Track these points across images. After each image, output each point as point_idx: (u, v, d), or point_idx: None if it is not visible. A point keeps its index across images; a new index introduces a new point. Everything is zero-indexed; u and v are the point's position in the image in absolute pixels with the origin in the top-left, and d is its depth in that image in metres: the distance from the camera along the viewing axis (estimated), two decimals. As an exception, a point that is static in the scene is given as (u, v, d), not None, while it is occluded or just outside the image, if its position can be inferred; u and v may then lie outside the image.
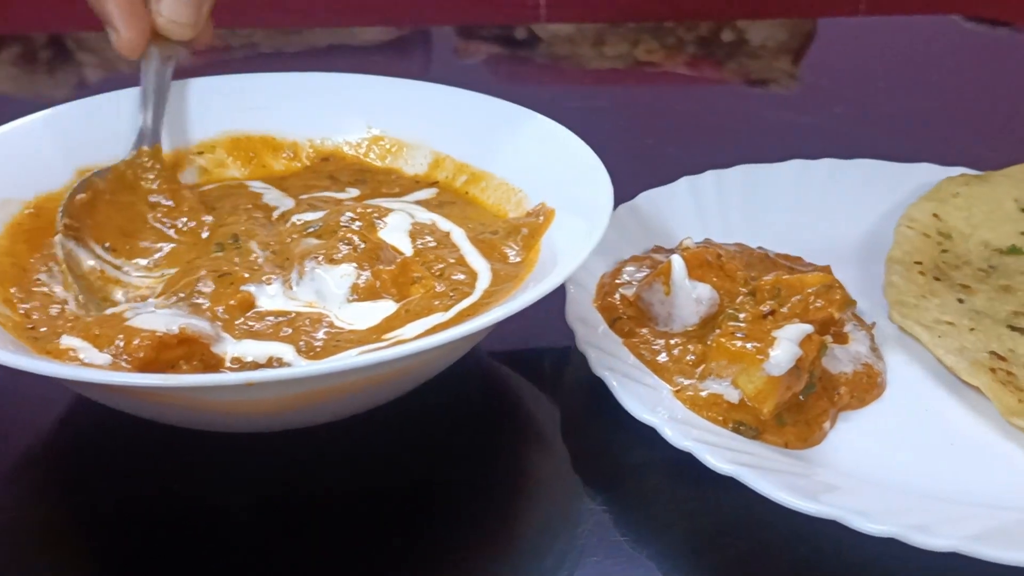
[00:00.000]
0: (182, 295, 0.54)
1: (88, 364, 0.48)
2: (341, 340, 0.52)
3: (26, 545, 0.51)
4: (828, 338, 0.60)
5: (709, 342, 0.57)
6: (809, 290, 0.60)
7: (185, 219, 0.62)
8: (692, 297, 0.60)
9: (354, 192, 0.67)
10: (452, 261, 0.58)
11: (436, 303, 0.54)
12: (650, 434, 0.53)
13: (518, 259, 0.59)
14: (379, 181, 0.68)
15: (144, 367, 0.48)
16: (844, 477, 0.53)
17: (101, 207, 0.60)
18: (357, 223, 0.59)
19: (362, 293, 0.54)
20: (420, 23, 1.32)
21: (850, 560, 0.50)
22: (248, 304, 0.54)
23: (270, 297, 0.55)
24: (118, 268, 0.58)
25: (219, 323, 0.52)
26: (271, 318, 0.53)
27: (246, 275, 0.55)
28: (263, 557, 0.50)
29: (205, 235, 0.61)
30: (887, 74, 1.13)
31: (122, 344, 0.48)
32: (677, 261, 0.60)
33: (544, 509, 0.55)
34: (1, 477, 0.55)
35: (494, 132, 0.67)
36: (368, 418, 0.54)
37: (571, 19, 1.35)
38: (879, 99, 1.06)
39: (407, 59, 1.22)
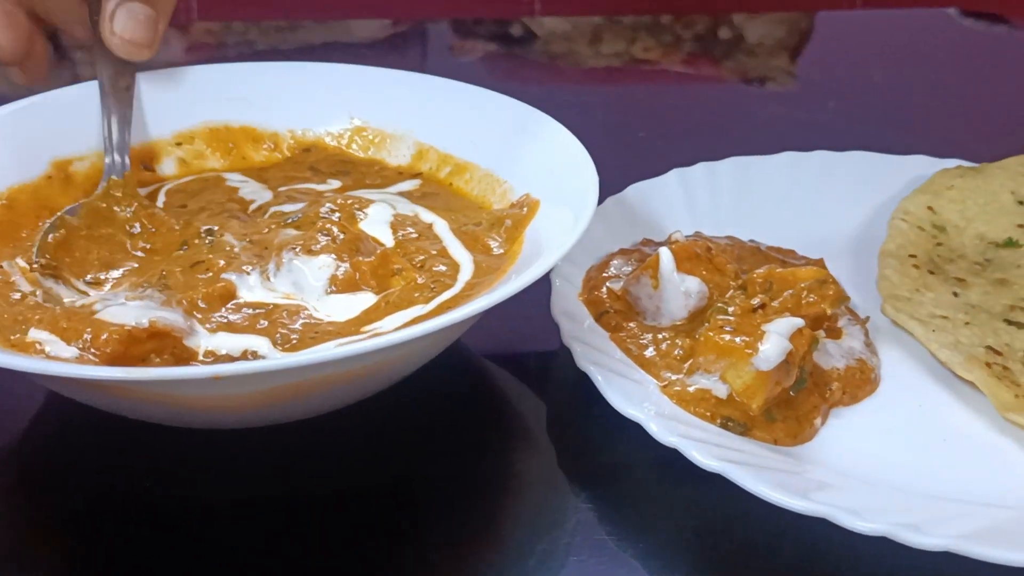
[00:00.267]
0: (151, 284, 0.52)
1: (54, 358, 0.47)
2: (319, 332, 0.51)
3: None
4: (821, 333, 0.59)
5: (697, 336, 0.56)
6: (802, 284, 0.58)
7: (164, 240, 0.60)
8: (680, 290, 0.59)
9: (335, 184, 0.65)
10: (434, 253, 0.57)
11: (417, 295, 0.53)
12: (637, 430, 0.51)
13: (501, 251, 0.57)
14: (362, 172, 0.67)
15: (113, 361, 0.46)
16: (835, 474, 0.51)
17: (79, 243, 0.58)
18: (337, 214, 0.58)
19: (341, 285, 0.53)
20: (414, 16, 1.31)
21: (840, 559, 0.48)
22: (229, 295, 0.53)
23: (249, 288, 0.53)
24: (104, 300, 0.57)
25: (196, 315, 0.51)
26: (248, 310, 0.52)
27: (221, 263, 0.54)
28: (240, 556, 0.49)
29: (178, 227, 0.59)
30: (883, 69, 1.12)
31: (90, 338, 0.47)
32: (665, 254, 0.59)
33: (529, 507, 0.54)
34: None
35: (478, 122, 0.65)
36: (351, 414, 0.53)
37: (565, 12, 1.33)
38: (875, 94, 1.05)
39: (403, 56, 1.21)
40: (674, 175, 0.72)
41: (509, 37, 1.25)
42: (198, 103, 0.68)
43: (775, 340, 0.53)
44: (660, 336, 0.58)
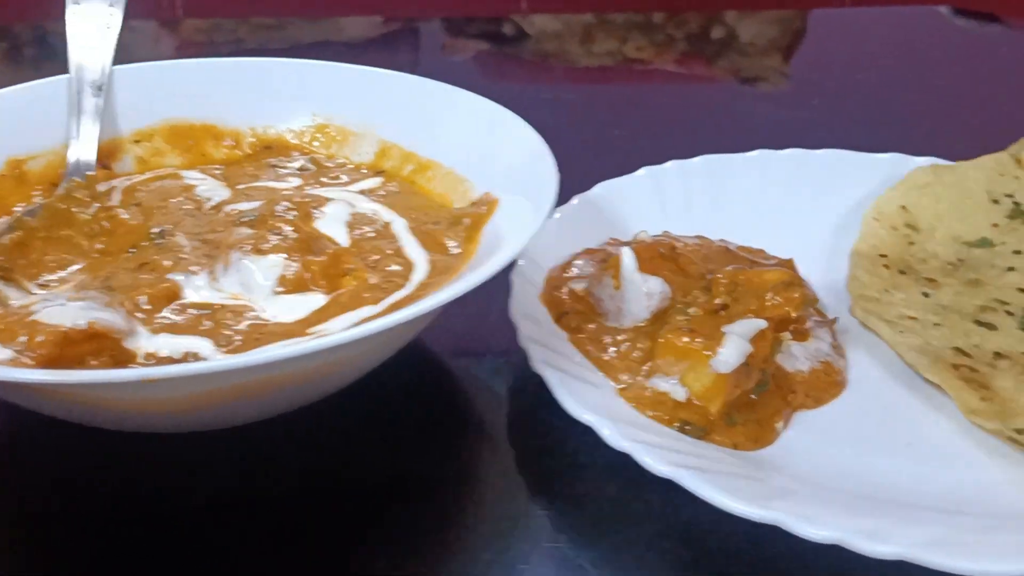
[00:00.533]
0: (93, 285, 0.51)
1: None
2: (264, 334, 0.49)
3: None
4: (786, 335, 0.58)
5: (658, 338, 0.55)
6: (767, 286, 0.57)
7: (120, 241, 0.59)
8: (642, 291, 0.57)
9: (296, 182, 0.64)
10: (389, 252, 0.55)
11: (367, 295, 0.52)
12: (594, 434, 0.50)
13: (459, 250, 0.56)
14: (323, 170, 0.65)
15: (48, 363, 0.45)
16: (795, 480, 0.50)
17: (36, 244, 0.56)
18: (292, 212, 0.56)
19: (289, 285, 0.52)
20: (400, 13, 1.30)
21: (799, 567, 0.47)
22: (172, 295, 0.52)
23: (195, 289, 0.52)
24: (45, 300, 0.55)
25: (138, 316, 0.50)
26: (193, 311, 0.51)
27: (167, 263, 0.53)
28: (189, 558, 0.48)
29: (135, 221, 0.58)
30: (874, 68, 1.11)
31: (25, 340, 0.45)
32: (627, 253, 0.57)
33: (485, 512, 0.52)
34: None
35: (442, 120, 0.64)
36: (302, 417, 0.52)
37: (553, 10, 1.32)
38: (866, 92, 1.04)
39: (395, 56, 1.20)
40: (645, 173, 0.71)
41: (501, 36, 1.24)
42: (159, 100, 0.67)
43: (734, 342, 0.52)
44: (621, 338, 0.57)
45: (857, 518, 0.45)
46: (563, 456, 0.54)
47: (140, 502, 0.51)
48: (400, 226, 0.58)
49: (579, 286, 0.59)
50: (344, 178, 0.64)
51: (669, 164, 0.72)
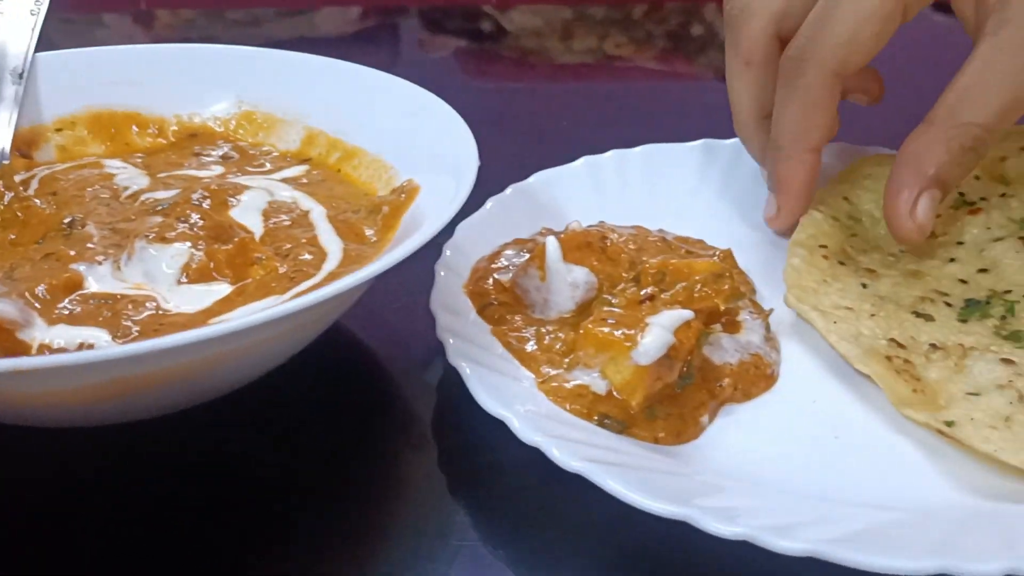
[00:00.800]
0: None
1: None
2: (164, 324, 0.48)
3: None
4: (717, 327, 0.56)
5: (580, 329, 0.53)
6: (696, 277, 0.55)
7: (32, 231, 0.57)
8: (567, 281, 0.56)
9: (218, 170, 0.62)
10: (303, 241, 0.54)
11: (274, 285, 0.50)
12: (513, 429, 0.49)
13: (376, 239, 0.54)
14: (248, 157, 0.64)
15: (-66, 354, 0.43)
16: (717, 475, 0.48)
17: None
18: (208, 201, 0.55)
19: (194, 274, 0.50)
20: (379, 4, 1.28)
21: (721, 565, 0.45)
22: (74, 285, 0.50)
23: (99, 278, 0.50)
24: None
25: (37, 306, 0.48)
26: (93, 301, 0.49)
27: (72, 253, 0.51)
28: (93, 559, 0.46)
29: (49, 211, 0.56)
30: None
31: (-88, 331, 0.44)
32: (551, 243, 0.56)
33: (403, 509, 0.51)
34: None
35: (369, 106, 0.63)
36: (215, 411, 0.50)
37: (527, 1, 1.31)
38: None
39: (373, 52, 1.18)
40: (582, 162, 0.69)
41: (479, 32, 1.23)
42: (81, 88, 0.66)
43: (656, 333, 0.50)
44: (544, 330, 0.55)
45: (769, 514, 0.44)
46: (486, 452, 0.52)
47: (45, 499, 0.49)
48: (318, 214, 0.56)
49: (505, 277, 0.58)
50: (268, 166, 0.63)
51: (608, 153, 0.70)
